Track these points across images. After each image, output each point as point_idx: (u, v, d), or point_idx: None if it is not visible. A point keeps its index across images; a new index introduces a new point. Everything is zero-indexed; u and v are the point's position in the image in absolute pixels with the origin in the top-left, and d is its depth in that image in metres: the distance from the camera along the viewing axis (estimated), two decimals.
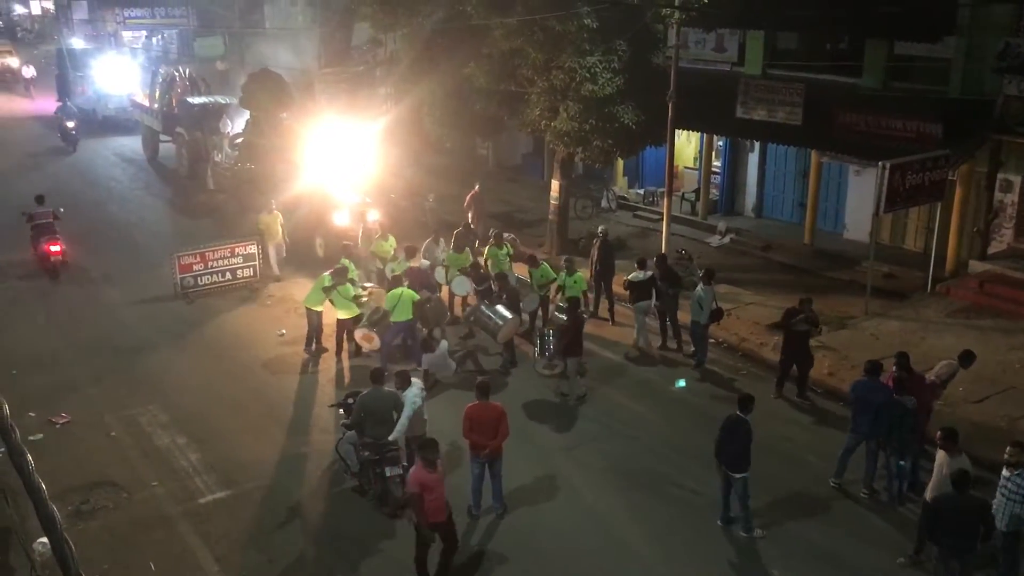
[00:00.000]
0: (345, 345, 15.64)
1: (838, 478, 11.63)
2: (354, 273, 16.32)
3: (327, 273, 15.49)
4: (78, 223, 21.96)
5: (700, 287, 14.98)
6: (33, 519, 9.02)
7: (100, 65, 37.54)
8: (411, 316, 14.89)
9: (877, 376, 11.43)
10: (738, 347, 15.96)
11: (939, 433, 9.74)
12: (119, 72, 36.48)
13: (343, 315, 15.40)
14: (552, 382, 14.57)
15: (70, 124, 32.25)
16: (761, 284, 18.75)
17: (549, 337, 14.61)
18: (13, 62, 47.26)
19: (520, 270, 17.11)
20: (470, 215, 20.70)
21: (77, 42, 48.31)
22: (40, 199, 20.30)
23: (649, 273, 15.75)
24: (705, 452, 11.63)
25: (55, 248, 19.50)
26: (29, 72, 43.97)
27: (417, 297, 14.96)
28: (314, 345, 15.72)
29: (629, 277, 15.88)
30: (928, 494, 9.79)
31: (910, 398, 10.96)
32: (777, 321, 14.98)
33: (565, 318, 14.27)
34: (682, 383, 14.63)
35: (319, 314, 15.59)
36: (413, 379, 11.53)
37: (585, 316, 15.31)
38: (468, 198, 21.30)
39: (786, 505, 11.28)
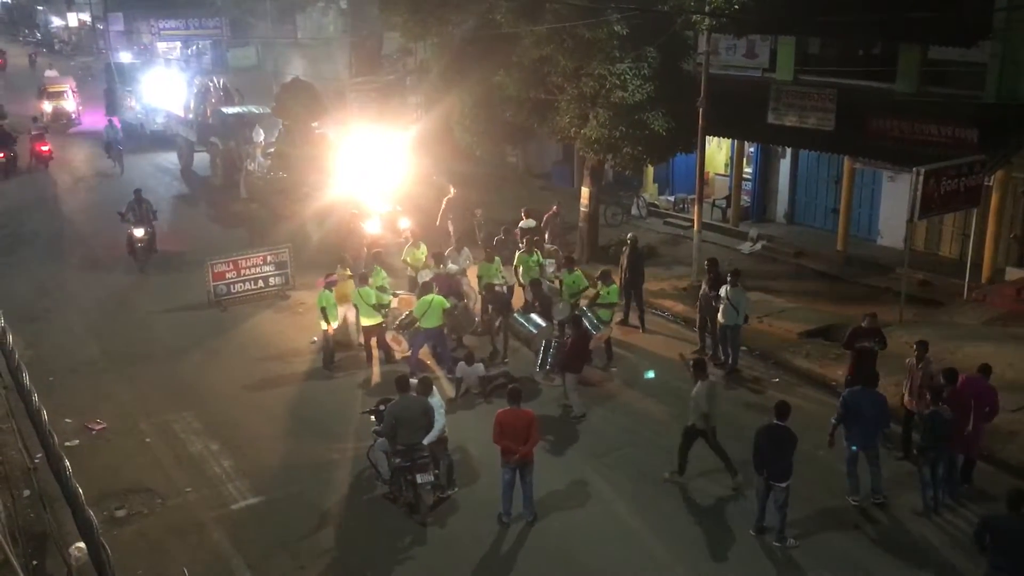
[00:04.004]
0: (375, 352, 15.72)
1: (855, 494, 11.34)
2: (384, 280, 16.40)
3: (325, 291, 15.52)
4: (110, 233, 22.23)
5: (728, 289, 14.84)
6: (69, 524, 9.16)
7: (148, 79, 36.00)
8: (440, 323, 14.97)
9: (875, 386, 11.20)
10: (770, 355, 15.83)
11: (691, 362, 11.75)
12: (167, 86, 34.56)
13: (368, 322, 15.49)
14: (558, 392, 14.35)
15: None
16: (793, 292, 18.57)
17: (551, 349, 14.40)
18: (70, 105, 39.44)
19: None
20: (547, 234, 19.87)
21: (125, 56, 47.75)
22: (35, 119, 32.34)
23: (533, 222, 19.00)
24: (735, 460, 11.59)
25: (44, 148, 30.79)
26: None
27: (447, 304, 15.03)
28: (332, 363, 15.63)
29: (520, 225, 18.90)
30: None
31: (946, 409, 10.84)
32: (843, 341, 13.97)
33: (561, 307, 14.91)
34: (651, 374, 15.27)
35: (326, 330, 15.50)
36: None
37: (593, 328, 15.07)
38: (546, 217, 20.46)
39: (818, 514, 11.14)
